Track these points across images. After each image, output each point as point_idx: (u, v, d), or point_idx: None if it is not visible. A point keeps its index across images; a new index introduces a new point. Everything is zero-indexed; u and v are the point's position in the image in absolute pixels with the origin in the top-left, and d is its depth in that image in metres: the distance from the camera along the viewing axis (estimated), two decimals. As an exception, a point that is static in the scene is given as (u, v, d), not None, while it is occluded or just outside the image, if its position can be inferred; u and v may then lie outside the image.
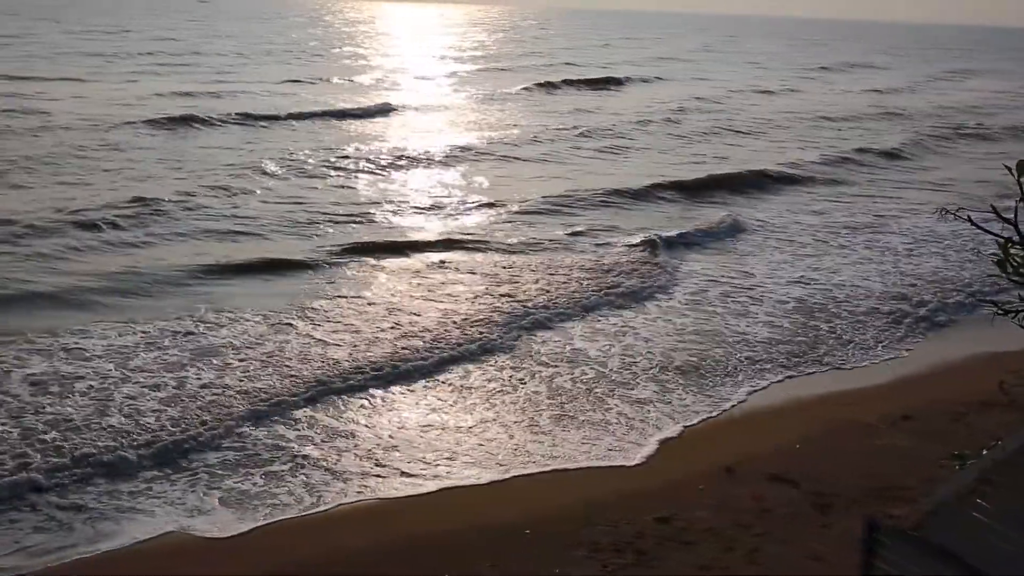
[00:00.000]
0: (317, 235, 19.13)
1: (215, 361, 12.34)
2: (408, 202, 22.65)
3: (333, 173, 25.31)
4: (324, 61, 65.01)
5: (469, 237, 19.38)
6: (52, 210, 19.28)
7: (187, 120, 31.48)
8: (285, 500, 9.31)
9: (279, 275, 16.37)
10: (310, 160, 26.39)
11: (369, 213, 21.15)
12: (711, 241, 20.16)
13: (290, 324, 13.89)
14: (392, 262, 17.54)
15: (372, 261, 17.50)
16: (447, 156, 28.61)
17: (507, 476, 9.99)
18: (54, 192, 21.06)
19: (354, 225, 20.08)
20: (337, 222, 20.20)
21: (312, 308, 14.65)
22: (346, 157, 27.41)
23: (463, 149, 29.80)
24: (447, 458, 10.29)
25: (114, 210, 19.41)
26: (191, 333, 13.30)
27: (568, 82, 52.54)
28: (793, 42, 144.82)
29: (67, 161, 24.40)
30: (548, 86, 50.46)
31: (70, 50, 57.98)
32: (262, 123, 32.89)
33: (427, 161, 27.92)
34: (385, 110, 38.07)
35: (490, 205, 22.33)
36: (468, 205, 22.41)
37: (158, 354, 12.47)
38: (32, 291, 14.72)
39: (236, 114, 33.52)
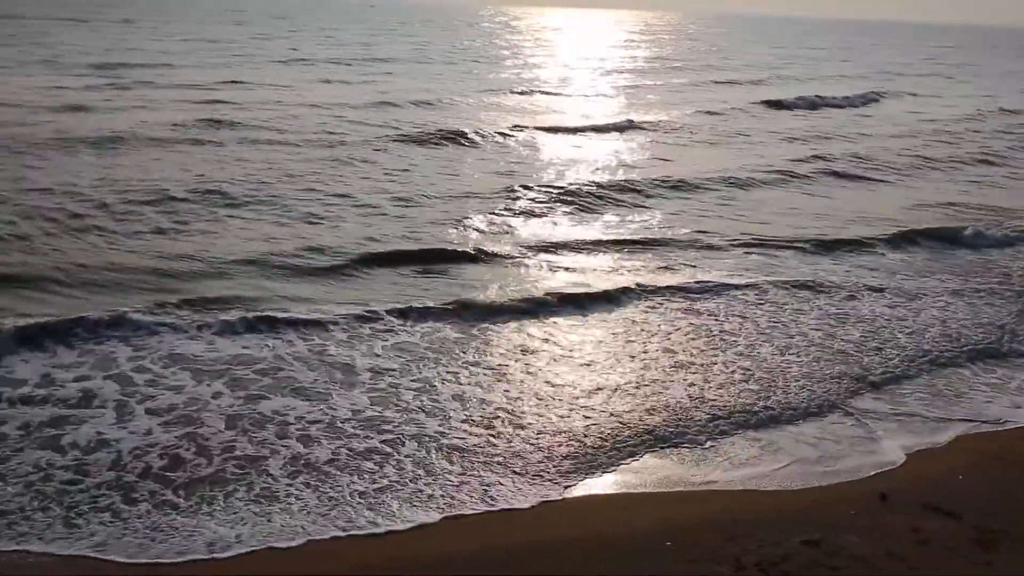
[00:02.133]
0: (595, 270, 17.79)
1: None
2: (701, 235, 20.69)
3: (605, 199, 23.83)
4: (537, 70, 64.26)
5: (761, 276, 17.80)
6: (350, 236, 18.93)
7: (456, 136, 31.25)
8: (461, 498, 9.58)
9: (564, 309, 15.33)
10: (572, 183, 25.05)
11: (657, 245, 19.70)
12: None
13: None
14: (685, 302, 16.20)
15: (671, 301, 16.14)
16: (709, 181, 26.64)
17: (659, 489, 9.97)
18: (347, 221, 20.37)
19: (640, 259, 18.64)
20: (619, 251, 19.09)
21: (598, 349, 13.86)
22: (615, 180, 26.01)
23: (721, 175, 27.58)
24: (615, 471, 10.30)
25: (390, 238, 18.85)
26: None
27: (803, 99, 49.09)
28: (1008, 54, 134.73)
29: (335, 179, 24.04)
30: (777, 105, 46.91)
31: (275, 57, 59.41)
32: (515, 136, 32.63)
33: (695, 186, 25.97)
34: (626, 127, 37.44)
35: (766, 243, 20.19)
36: (749, 240, 20.40)
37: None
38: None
39: (498, 131, 33.02)
